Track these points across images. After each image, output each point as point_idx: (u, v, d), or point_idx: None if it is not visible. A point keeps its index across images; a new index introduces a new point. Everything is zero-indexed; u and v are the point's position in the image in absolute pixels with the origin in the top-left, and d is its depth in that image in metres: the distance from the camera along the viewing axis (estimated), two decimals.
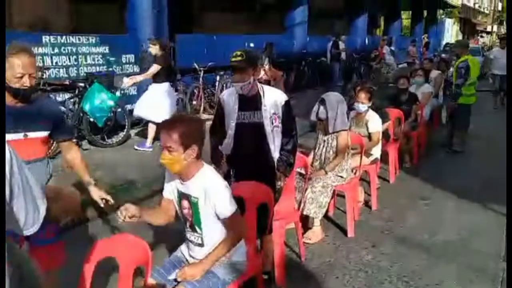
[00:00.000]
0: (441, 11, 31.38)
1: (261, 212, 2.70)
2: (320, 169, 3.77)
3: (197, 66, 8.26)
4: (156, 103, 5.81)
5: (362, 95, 4.39)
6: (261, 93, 2.76)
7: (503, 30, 49.85)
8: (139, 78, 6.05)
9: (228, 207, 2.17)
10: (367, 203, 4.50)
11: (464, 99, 6.46)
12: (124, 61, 7.11)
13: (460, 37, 36.66)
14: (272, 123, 2.75)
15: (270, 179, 2.81)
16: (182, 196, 2.25)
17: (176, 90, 8.24)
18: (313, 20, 20.74)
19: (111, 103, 5.79)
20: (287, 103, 2.80)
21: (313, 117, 3.83)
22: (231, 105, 2.81)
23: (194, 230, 2.26)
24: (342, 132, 3.73)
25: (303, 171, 3.54)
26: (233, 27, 12.88)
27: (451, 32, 34.23)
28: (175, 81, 6.26)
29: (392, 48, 14.99)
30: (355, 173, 4.10)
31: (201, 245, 2.25)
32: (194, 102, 8.15)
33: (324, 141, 3.81)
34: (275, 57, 11.16)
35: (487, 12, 44.40)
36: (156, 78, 5.92)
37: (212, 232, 2.22)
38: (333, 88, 13.12)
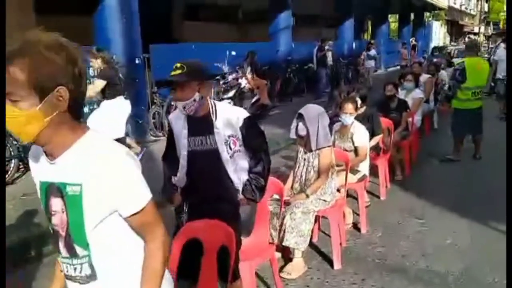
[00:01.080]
0: (428, 13, 31.31)
1: (223, 256, 2.21)
2: (300, 192, 3.30)
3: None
4: (105, 122, 5.28)
5: (348, 106, 3.94)
6: (213, 113, 2.27)
7: (490, 30, 50.11)
8: None
9: (138, 199, 1.27)
10: (355, 225, 4.03)
11: (457, 103, 6.05)
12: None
13: (447, 40, 36.68)
14: (231, 148, 2.26)
15: (232, 216, 2.32)
16: (48, 189, 1.28)
17: (153, 103, 7.80)
18: (299, 26, 20.51)
19: None
20: (248, 121, 2.28)
21: (292, 135, 3.37)
22: (179, 129, 2.32)
23: (72, 254, 1.28)
24: (324, 149, 3.27)
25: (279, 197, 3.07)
26: (216, 36, 12.48)
27: (438, 34, 34.17)
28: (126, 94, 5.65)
29: (371, 52, 14.56)
30: (341, 192, 3.63)
31: (89, 279, 1.29)
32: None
33: (305, 159, 3.34)
34: (258, 66, 10.78)
35: (473, 13, 44.57)
36: (106, 94, 5.37)
37: (110, 252, 1.29)
38: (320, 94, 12.77)
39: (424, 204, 4.57)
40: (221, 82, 9.13)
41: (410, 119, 5.90)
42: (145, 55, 7.56)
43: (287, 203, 3.17)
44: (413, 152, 6.02)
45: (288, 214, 3.09)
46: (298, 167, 3.42)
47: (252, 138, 2.31)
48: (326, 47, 12.43)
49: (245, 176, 2.35)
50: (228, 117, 2.26)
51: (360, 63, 16.87)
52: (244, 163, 2.34)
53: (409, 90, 6.44)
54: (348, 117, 3.97)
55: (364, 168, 4.06)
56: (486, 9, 47.32)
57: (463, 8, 37.51)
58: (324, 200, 3.31)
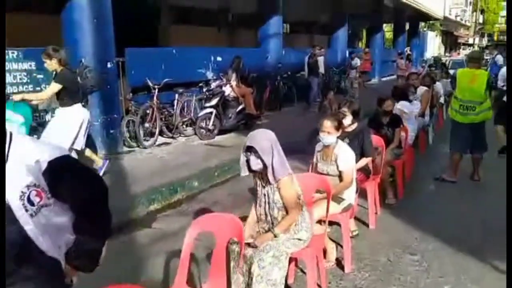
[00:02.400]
0: (423, 24, 31.10)
1: None
2: (268, 232, 2.72)
3: (150, 83, 7.21)
4: (61, 134, 4.75)
5: (327, 124, 3.39)
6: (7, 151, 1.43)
7: (484, 42, 50.21)
8: (28, 96, 4.94)
9: None
10: (339, 262, 3.47)
11: (450, 111, 5.58)
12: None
13: (442, 50, 36.51)
14: (33, 203, 1.44)
15: None
16: None
17: (128, 112, 7.22)
18: (291, 33, 20.11)
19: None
20: (56, 164, 1.47)
21: (244, 172, 2.71)
22: None
23: None
24: (282, 180, 2.65)
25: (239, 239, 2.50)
26: (203, 41, 11.95)
27: (433, 45, 33.97)
28: (85, 102, 5.07)
29: (354, 62, 14.12)
30: (322, 225, 3.07)
31: None
32: (147, 125, 7.07)
33: (265, 195, 2.76)
34: (245, 72, 10.24)
35: (468, 24, 44.53)
36: (61, 101, 4.83)
37: None
38: (311, 104, 12.26)
39: (419, 236, 4.01)
40: (204, 89, 8.59)
41: (403, 135, 5.37)
42: (120, 59, 6.98)
43: (253, 246, 2.60)
44: (406, 172, 5.50)
45: (255, 261, 2.52)
46: (260, 204, 2.82)
47: (69, 187, 1.53)
48: (317, 51, 11.92)
49: (69, 237, 1.60)
50: (26, 158, 1.45)
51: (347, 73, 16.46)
52: (61, 220, 1.56)
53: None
54: (326, 136, 3.41)
55: (349, 196, 3.50)
56: (481, 20, 47.38)
57: (458, 19, 37.39)
58: (299, 239, 2.73)
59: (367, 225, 4.25)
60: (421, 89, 7.08)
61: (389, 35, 30.84)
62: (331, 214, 3.21)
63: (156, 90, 7.21)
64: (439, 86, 8.75)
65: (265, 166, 2.59)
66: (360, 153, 4.05)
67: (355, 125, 4.14)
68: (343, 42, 16.90)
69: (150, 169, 5.91)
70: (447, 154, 5.91)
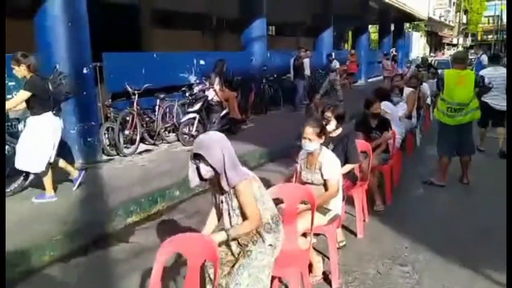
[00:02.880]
0: (408, 24, 31.27)
1: None
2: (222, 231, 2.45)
3: (129, 89, 6.96)
4: (35, 145, 4.49)
5: (308, 130, 3.19)
6: None
7: (468, 42, 50.82)
8: None
9: None
10: (326, 277, 3.27)
11: (437, 113, 5.43)
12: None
13: (427, 51, 36.78)
14: None
15: None
16: None
17: (106, 119, 6.96)
18: (276, 36, 19.98)
19: None
20: None
21: (194, 183, 2.43)
22: None
23: None
24: (238, 186, 2.38)
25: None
26: (187, 44, 11.72)
27: (418, 45, 34.19)
28: (57, 109, 4.80)
29: (333, 65, 13.87)
30: (308, 238, 2.88)
31: None
32: (127, 132, 6.82)
33: (222, 202, 2.50)
34: (230, 76, 10.04)
35: (452, 25, 44.99)
36: (32, 109, 4.56)
37: None
38: (298, 107, 12.10)
39: (409, 244, 3.85)
40: (187, 94, 8.36)
41: (391, 139, 5.21)
42: (97, 63, 6.73)
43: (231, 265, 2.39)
44: (394, 176, 5.34)
45: (232, 285, 2.31)
46: (221, 213, 2.57)
47: None
48: (302, 54, 11.78)
49: None
50: None
51: (342, 73, 16.31)
52: None
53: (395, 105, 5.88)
54: (308, 143, 3.21)
55: (335, 205, 3.31)
56: (464, 21, 47.93)
57: (442, 19, 37.72)
58: (270, 245, 2.45)
59: (355, 234, 4.07)
60: (407, 90, 6.96)
61: (374, 36, 30.96)
62: (316, 226, 3.02)
63: (136, 95, 6.96)
64: (426, 87, 8.66)
65: (216, 173, 2.35)
66: (345, 159, 3.89)
67: (339, 130, 3.95)
68: (329, 44, 16.80)
69: (129, 178, 5.66)
70: (435, 156, 5.78)
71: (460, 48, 43.28)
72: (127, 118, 6.85)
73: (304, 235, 3.08)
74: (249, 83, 10.67)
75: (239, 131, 8.86)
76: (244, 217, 2.42)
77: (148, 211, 4.82)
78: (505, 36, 43.76)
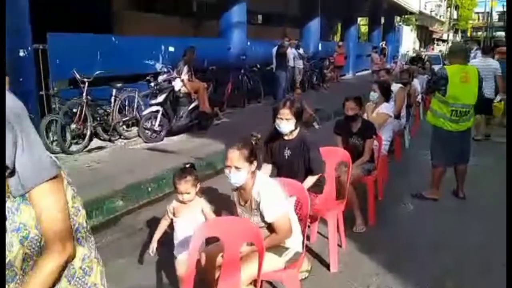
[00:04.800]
0: (398, 18, 30.53)
1: None
2: None
3: (77, 76, 6.01)
4: None
5: (234, 155, 2.31)
6: None
7: (458, 38, 50.42)
8: None
9: None
10: None
11: (434, 119, 4.57)
12: None
13: (417, 45, 36.15)
14: None
15: None
16: None
17: (50, 110, 6.02)
18: (262, 24, 18.99)
19: None
20: None
21: None
22: None
23: None
24: (35, 191, 1.17)
25: None
26: (164, 30, 10.73)
27: (408, 39, 33.53)
28: None
29: (301, 51, 13.00)
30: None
31: None
32: (74, 125, 5.89)
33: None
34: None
35: (443, 20, 44.45)
36: None
37: None
38: (279, 100, 11.18)
39: (394, 284, 3.04)
40: (152, 84, 7.44)
41: (376, 144, 4.38)
42: (40, 45, 5.77)
43: None
44: (379, 189, 4.55)
45: None
46: None
47: None
48: (285, 43, 10.90)
49: None
50: None
51: (329, 65, 15.49)
52: None
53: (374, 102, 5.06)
54: (234, 173, 2.35)
55: (294, 243, 2.46)
56: (455, 16, 47.45)
57: (433, 14, 37.11)
58: None
59: (328, 265, 3.25)
60: (396, 87, 6.13)
61: (364, 29, 30.17)
62: (269, 271, 2.19)
63: (86, 84, 6.02)
64: (416, 82, 7.89)
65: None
66: (305, 170, 3.11)
67: (297, 131, 3.17)
68: (316, 35, 15.94)
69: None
70: (425, 161, 4.99)
71: (451, 44, 42.78)
72: (74, 110, 5.92)
73: (254, 284, 2.25)
74: (226, 74, 9.77)
75: (211, 126, 7.99)
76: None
77: None
78: (494, 33, 43.49)
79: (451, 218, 4.27)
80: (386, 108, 4.95)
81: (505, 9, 40.83)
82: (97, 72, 6.14)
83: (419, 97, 8.12)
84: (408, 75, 6.77)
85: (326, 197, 3.34)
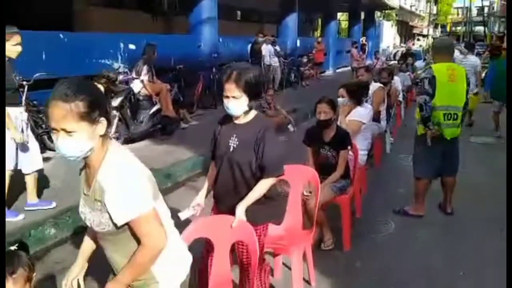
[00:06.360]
0: (378, 13, 30.21)
1: None
2: None
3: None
4: None
5: (58, 111, 1.43)
6: None
7: (438, 33, 50.57)
8: None
9: None
10: None
11: (421, 128, 3.97)
12: None
13: (398, 40, 35.95)
14: None
15: None
16: None
17: None
18: (235, 19, 18.29)
19: None
20: None
21: None
22: None
23: None
24: None
25: None
26: (133, 26, 9.97)
27: (389, 35, 33.27)
28: None
29: (277, 48, 12.36)
30: None
31: None
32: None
33: None
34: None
35: (423, 15, 44.43)
36: None
37: None
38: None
39: None
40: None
41: (351, 154, 3.78)
42: None
43: None
44: (356, 205, 3.97)
45: None
46: None
47: None
48: (259, 39, 10.28)
49: None
50: None
51: (308, 62, 14.90)
52: None
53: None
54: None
55: (166, 271, 1.79)
56: (434, 11, 47.52)
57: (413, 9, 36.95)
58: None
59: None
60: (374, 86, 5.54)
61: (344, 24, 29.76)
62: None
63: (26, 88, 5.25)
64: (397, 81, 7.35)
65: None
66: (259, 167, 2.18)
67: (252, 114, 2.24)
68: (294, 31, 15.34)
69: None
70: (409, 167, 4.40)
71: (430, 39, 42.77)
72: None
73: None
74: (196, 73, 9.09)
75: (176, 131, 7.32)
76: None
77: None
78: (474, 28, 43.70)
79: (439, 238, 3.72)
80: (359, 113, 4.20)
81: (484, 4, 41.05)
82: (37, 75, 5.39)
83: (400, 96, 7.60)
84: (388, 74, 6.19)
85: (289, 228, 2.72)
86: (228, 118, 2.28)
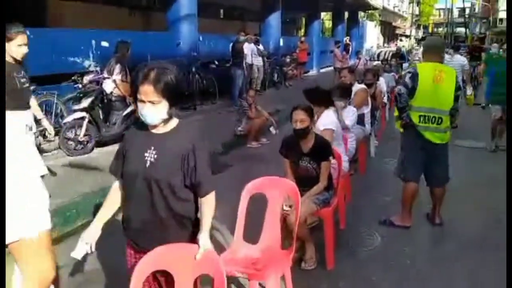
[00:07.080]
0: (362, 13, 30.20)
1: None
2: None
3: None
4: None
5: None
6: None
7: (420, 34, 51.05)
8: None
9: None
10: None
11: (399, 125, 3.77)
12: None
13: (381, 41, 36.06)
14: None
15: None
16: None
17: None
18: (218, 17, 17.93)
19: None
20: None
21: None
22: None
23: None
24: None
25: None
26: (109, 22, 9.53)
27: (372, 35, 33.32)
28: None
29: (260, 47, 12.04)
30: None
31: None
32: None
33: None
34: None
35: (406, 16, 44.74)
36: None
37: None
38: (236, 100, 10.27)
39: None
40: (80, 85, 6.33)
41: (334, 163, 3.50)
42: None
43: None
44: (340, 216, 3.70)
45: None
46: None
47: None
48: (241, 38, 9.96)
49: None
50: None
51: (291, 62, 14.65)
52: None
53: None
54: None
55: None
56: (417, 12, 47.94)
57: (396, 9, 37.12)
58: None
59: None
60: (356, 87, 5.27)
61: (328, 24, 29.66)
62: None
63: None
64: (382, 82, 7.13)
65: None
66: (192, 185, 1.84)
67: (174, 122, 1.90)
68: (276, 30, 15.05)
69: None
70: (393, 173, 4.15)
71: (413, 40, 43.11)
72: None
73: None
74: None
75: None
76: None
77: None
78: (455, 29, 44.24)
79: (428, 253, 3.47)
80: (323, 122, 3.79)
81: (465, 6, 41.58)
82: None
83: (385, 98, 7.38)
84: (373, 75, 5.94)
85: (266, 248, 2.42)
86: (141, 127, 1.89)
